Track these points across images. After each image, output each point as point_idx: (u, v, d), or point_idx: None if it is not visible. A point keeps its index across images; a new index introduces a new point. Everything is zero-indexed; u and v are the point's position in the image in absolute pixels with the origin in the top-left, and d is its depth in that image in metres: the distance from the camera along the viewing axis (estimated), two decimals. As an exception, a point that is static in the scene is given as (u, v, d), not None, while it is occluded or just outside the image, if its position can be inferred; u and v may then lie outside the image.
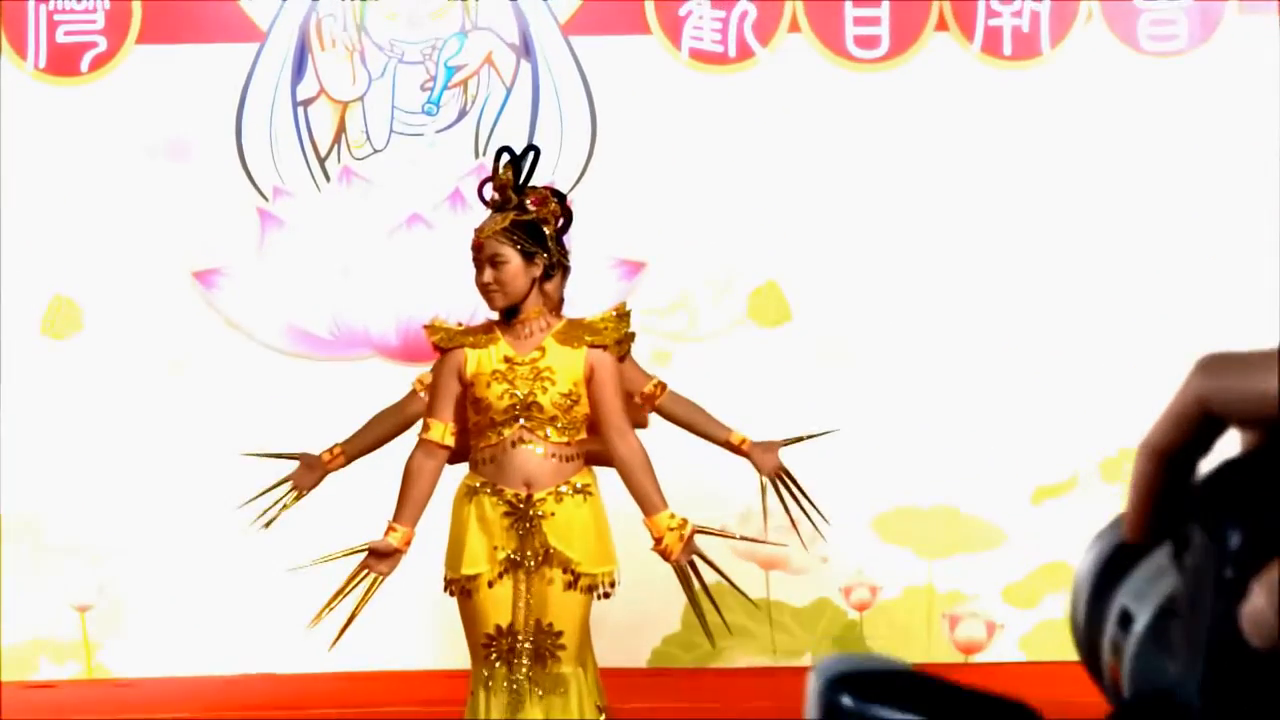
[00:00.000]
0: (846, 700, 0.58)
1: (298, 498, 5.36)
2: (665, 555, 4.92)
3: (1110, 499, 7.66)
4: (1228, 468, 0.58)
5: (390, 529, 4.91)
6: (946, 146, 7.78)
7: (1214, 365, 0.58)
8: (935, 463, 7.74)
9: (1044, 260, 7.73)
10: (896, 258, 7.75)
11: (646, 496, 4.90)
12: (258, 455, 5.50)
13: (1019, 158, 7.77)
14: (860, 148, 7.80)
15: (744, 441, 5.39)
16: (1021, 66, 7.87)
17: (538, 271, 4.91)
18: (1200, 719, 0.56)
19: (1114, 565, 0.61)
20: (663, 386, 5.38)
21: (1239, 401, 0.57)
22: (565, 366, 4.88)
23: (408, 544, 4.92)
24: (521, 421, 4.86)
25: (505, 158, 4.97)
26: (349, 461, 5.41)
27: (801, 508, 5.40)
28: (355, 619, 4.93)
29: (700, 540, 4.97)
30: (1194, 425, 0.58)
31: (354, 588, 4.92)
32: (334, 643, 4.96)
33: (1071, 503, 7.73)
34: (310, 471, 5.38)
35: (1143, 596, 0.60)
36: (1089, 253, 7.72)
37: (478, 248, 4.88)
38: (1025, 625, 7.78)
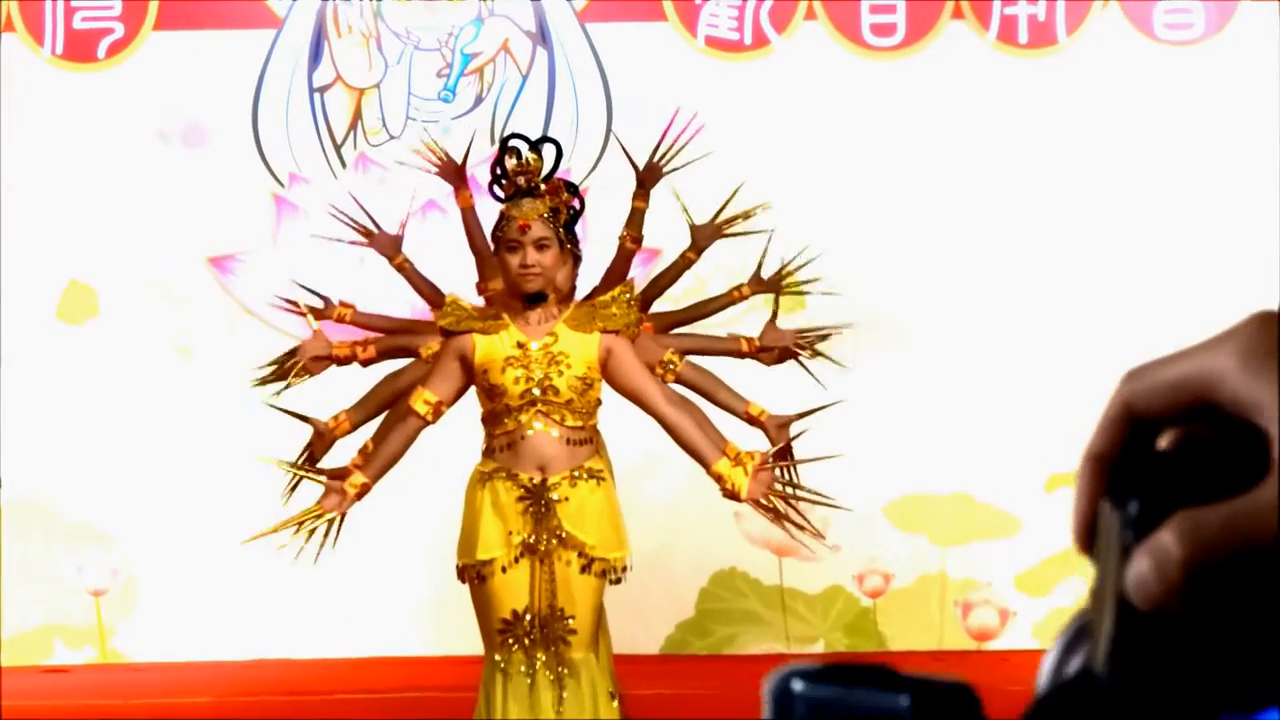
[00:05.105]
0: (797, 684, 0.60)
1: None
2: (734, 495, 4.87)
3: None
4: (1140, 454, 0.61)
5: (350, 471, 4.91)
6: (962, 135, 7.77)
7: (1135, 370, 0.62)
8: (949, 450, 7.74)
9: (1059, 247, 7.73)
10: (911, 245, 7.75)
11: (699, 452, 4.85)
12: (280, 409, 5.36)
13: (1035, 146, 7.76)
14: (876, 136, 7.79)
15: (762, 414, 5.30)
16: (1037, 55, 7.87)
17: (567, 258, 4.95)
18: (1108, 682, 0.59)
19: (1073, 641, 0.64)
20: (680, 357, 5.30)
21: (1154, 394, 0.60)
22: (579, 351, 4.86)
23: (360, 492, 4.88)
24: (538, 406, 4.85)
25: (525, 145, 4.95)
26: (355, 427, 5.38)
27: (795, 490, 5.08)
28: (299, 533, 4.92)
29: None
30: (1121, 428, 0.62)
31: (306, 522, 4.92)
32: (250, 539, 5.12)
33: (1085, 491, 7.73)
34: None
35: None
36: (1105, 240, 7.71)
37: (524, 229, 4.80)
38: (1038, 613, 7.78)
